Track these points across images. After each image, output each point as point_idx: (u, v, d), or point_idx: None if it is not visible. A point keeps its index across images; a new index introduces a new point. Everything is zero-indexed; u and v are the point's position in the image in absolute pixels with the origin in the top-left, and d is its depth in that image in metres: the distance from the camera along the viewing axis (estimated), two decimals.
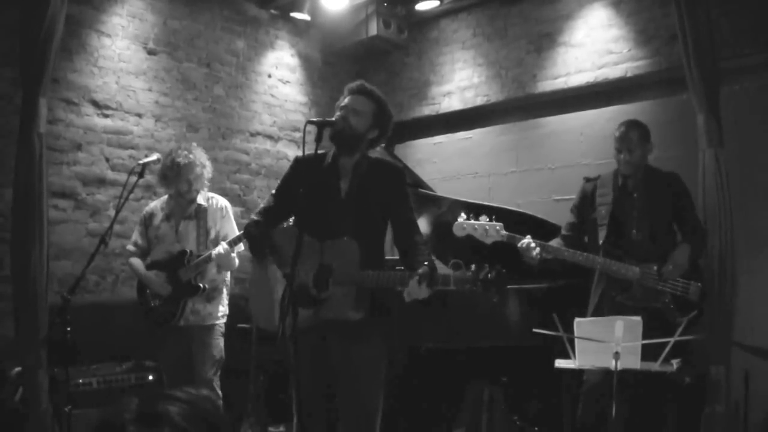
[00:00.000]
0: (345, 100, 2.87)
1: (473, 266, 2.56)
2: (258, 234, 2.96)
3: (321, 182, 2.84)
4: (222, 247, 3.87)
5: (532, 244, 3.39)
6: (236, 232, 4.03)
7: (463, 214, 3.46)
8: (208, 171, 4.05)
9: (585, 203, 3.68)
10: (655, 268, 3.38)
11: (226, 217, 4.09)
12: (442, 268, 2.71)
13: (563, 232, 3.71)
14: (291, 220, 3.18)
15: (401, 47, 6.28)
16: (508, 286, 2.64)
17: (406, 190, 2.99)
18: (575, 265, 3.50)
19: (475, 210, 3.48)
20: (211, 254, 3.87)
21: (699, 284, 3.40)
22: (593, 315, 3.45)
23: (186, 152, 3.95)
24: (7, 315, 3.89)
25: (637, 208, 3.54)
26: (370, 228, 2.82)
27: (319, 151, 2.84)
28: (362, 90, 2.88)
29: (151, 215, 4.11)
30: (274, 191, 3.06)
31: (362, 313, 2.72)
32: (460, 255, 4.22)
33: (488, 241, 3.44)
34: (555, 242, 3.58)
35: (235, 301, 4.21)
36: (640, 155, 3.54)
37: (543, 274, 3.92)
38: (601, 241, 3.50)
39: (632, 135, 3.53)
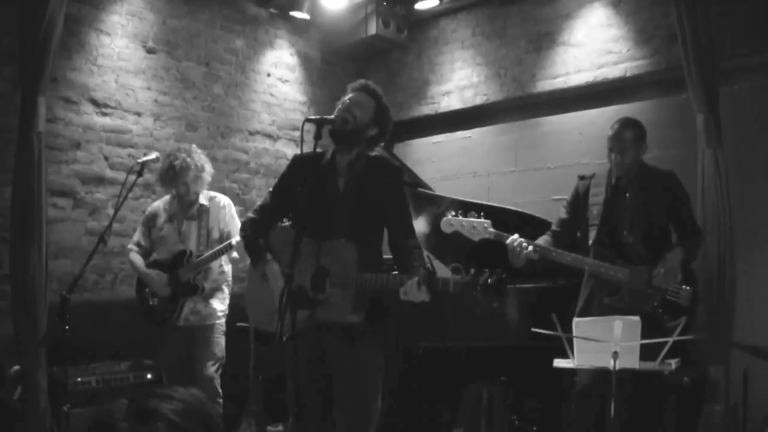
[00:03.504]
0: (347, 96, 2.88)
1: (473, 270, 2.52)
2: (254, 235, 2.95)
3: (318, 180, 2.83)
4: None
5: (521, 242, 3.31)
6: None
7: (452, 211, 3.38)
8: (207, 173, 4.05)
9: (577, 201, 3.57)
10: (647, 271, 3.29)
11: (229, 215, 4.11)
12: (441, 270, 2.69)
13: (553, 227, 3.59)
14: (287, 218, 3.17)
15: (400, 46, 6.28)
16: (508, 286, 2.59)
17: (403, 191, 2.96)
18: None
19: (474, 209, 3.43)
20: (231, 242, 3.89)
21: (690, 289, 3.30)
22: (579, 317, 3.33)
23: (184, 155, 3.95)
24: (6, 314, 3.89)
25: (630, 209, 3.41)
26: (367, 227, 2.80)
27: (318, 150, 2.84)
28: (365, 87, 2.90)
29: (154, 216, 4.12)
30: (271, 189, 3.05)
31: (361, 315, 2.70)
32: (459, 255, 4.23)
33: (476, 238, 3.34)
34: (543, 239, 3.48)
35: (235, 300, 4.20)
36: (633, 156, 3.40)
37: (542, 274, 3.91)
38: (590, 242, 3.41)
39: (626, 135, 3.39)
